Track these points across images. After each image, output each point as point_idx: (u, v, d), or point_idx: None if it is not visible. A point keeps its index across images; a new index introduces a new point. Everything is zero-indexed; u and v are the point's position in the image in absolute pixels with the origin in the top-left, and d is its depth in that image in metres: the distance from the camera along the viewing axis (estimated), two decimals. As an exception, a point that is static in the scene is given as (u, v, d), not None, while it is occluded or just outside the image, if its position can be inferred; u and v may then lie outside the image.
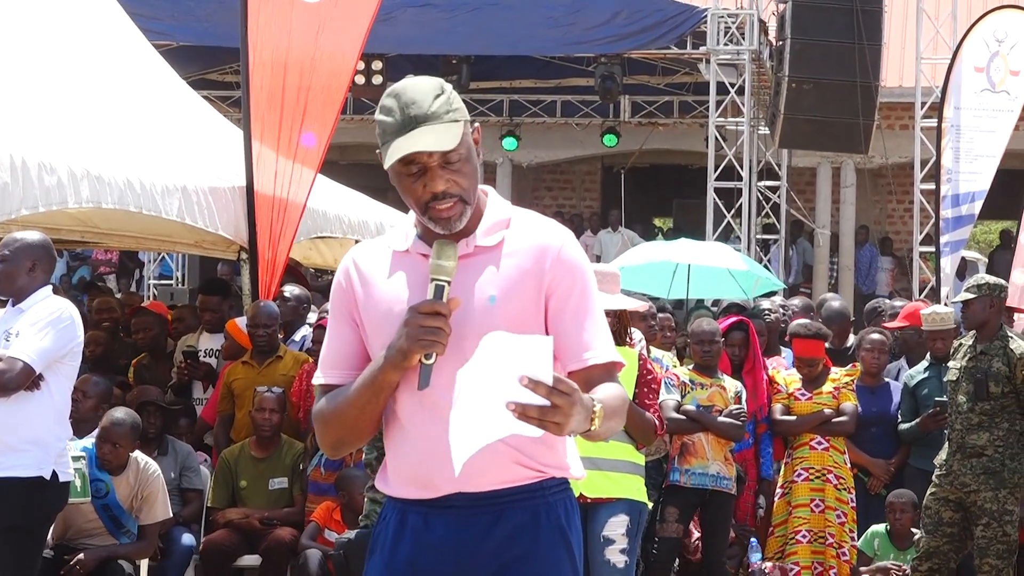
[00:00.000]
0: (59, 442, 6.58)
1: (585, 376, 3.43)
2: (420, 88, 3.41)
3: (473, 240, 3.46)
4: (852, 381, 9.46)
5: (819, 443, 9.28)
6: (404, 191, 3.44)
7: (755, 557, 9.10)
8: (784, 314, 11.20)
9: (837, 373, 9.49)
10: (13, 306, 6.57)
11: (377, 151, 3.44)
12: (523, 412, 3.08)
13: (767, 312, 10.82)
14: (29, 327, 6.42)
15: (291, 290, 10.33)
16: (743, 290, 13.84)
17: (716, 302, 14.32)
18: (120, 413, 8.09)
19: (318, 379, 3.58)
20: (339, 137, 10.31)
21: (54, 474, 6.49)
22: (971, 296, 8.52)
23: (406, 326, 3.34)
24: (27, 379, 6.37)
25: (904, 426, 9.49)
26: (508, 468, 3.45)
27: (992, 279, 8.78)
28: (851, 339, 11.17)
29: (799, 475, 9.24)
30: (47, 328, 6.44)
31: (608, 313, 5.62)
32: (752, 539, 9.18)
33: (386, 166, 3.41)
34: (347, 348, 3.55)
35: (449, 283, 3.37)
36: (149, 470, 8.13)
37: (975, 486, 8.36)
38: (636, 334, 8.36)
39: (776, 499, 9.33)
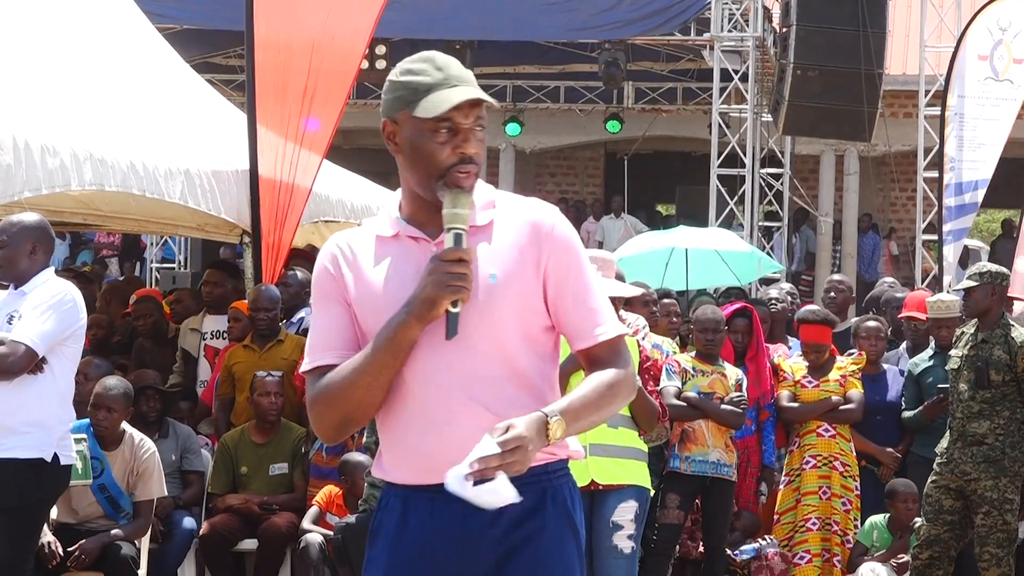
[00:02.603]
0: (62, 425, 6.55)
1: (595, 354, 3.46)
2: (448, 57, 3.46)
3: None
4: (858, 369, 9.46)
5: (826, 430, 9.28)
6: (426, 154, 3.40)
7: (748, 551, 9.07)
8: (792, 303, 11.15)
9: (843, 361, 9.49)
10: (15, 289, 6.54)
11: (390, 118, 3.42)
12: (483, 474, 3.18)
13: (775, 301, 10.77)
14: (31, 310, 6.40)
15: (292, 274, 10.27)
16: (736, 276, 13.84)
17: (715, 290, 14.31)
18: (112, 380, 8.10)
19: (308, 365, 3.48)
20: (343, 122, 10.28)
21: (55, 456, 6.47)
22: (973, 284, 8.52)
23: (431, 274, 3.32)
24: (30, 362, 6.36)
25: (908, 414, 9.48)
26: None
27: (994, 267, 8.78)
28: (847, 321, 11.15)
29: (807, 462, 9.24)
30: (49, 311, 6.41)
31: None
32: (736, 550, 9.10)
33: (428, 115, 3.36)
34: (340, 328, 3.47)
35: (466, 231, 3.36)
36: (144, 446, 8.13)
37: (975, 474, 8.35)
38: (640, 320, 8.36)
39: (782, 487, 9.32)
